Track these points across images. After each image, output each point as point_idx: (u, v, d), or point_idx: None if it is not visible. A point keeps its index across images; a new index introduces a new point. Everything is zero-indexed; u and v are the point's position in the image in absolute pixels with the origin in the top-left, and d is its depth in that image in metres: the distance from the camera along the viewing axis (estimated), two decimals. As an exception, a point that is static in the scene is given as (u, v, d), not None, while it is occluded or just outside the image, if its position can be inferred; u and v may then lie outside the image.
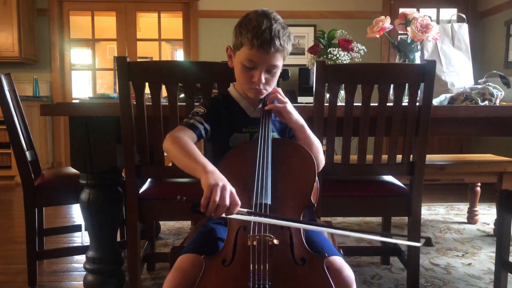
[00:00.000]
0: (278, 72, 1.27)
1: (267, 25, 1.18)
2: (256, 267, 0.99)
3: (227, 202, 0.99)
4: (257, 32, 1.17)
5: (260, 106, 1.31)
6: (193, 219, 2.26)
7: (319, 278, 1.01)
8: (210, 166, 1.06)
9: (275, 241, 1.02)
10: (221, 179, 1.02)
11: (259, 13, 1.21)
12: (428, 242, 1.07)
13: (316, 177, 1.16)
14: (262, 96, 1.29)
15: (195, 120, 1.26)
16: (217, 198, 0.97)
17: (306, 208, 1.13)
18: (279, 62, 1.23)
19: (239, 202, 1.01)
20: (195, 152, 1.12)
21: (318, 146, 1.30)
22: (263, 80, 1.22)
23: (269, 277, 0.99)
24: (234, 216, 1.02)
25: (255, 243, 1.01)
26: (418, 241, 1.08)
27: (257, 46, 1.18)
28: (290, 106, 1.26)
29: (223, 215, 1.00)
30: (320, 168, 1.32)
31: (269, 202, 1.07)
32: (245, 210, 1.03)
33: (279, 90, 1.28)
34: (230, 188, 1.01)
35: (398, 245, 2.16)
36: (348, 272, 1.09)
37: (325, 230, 1.12)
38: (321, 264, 1.02)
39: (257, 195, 1.07)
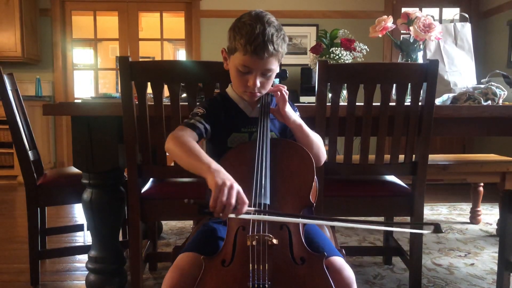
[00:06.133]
0: (274, 75, 1.26)
1: (260, 29, 1.16)
2: (256, 267, 0.99)
3: (234, 201, 0.98)
4: (250, 37, 1.16)
5: (259, 105, 1.31)
6: (195, 219, 2.26)
7: (319, 277, 1.01)
8: (215, 165, 1.06)
9: (274, 241, 1.02)
10: (228, 178, 1.01)
11: (253, 16, 1.20)
12: (437, 229, 1.05)
13: (315, 176, 1.16)
14: (257, 99, 1.29)
15: (195, 120, 1.26)
16: (224, 199, 0.97)
17: (305, 208, 1.13)
18: (274, 66, 1.22)
19: (247, 201, 1.01)
20: (199, 151, 1.12)
21: (318, 143, 1.30)
22: (258, 84, 1.22)
23: (269, 277, 0.99)
24: (243, 216, 1.01)
25: (254, 243, 1.01)
26: (425, 229, 1.07)
27: (250, 52, 1.17)
28: (288, 106, 1.26)
29: (232, 215, 1.00)
30: (322, 163, 1.33)
31: (268, 202, 1.07)
32: (253, 209, 1.03)
33: (285, 89, 1.28)
34: (237, 187, 1.01)
35: (400, 245, 2.16)
36: (349, 272, 1.09)
37: (332, 224, 1.12)
38: (321, 264, 1.02)
39: (256, 195, 1.07)
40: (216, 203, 0.98)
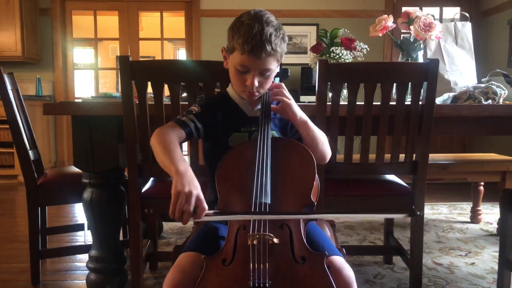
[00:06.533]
0: (273, 74, 1.26)
1: (258, 29, 1.16)
2: (256, 266, 1.00)
3: (191, 209, 0.99)
4: (247, 37, 1.15)
5: (259, 105, 1.30)
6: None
7: (320, 276, 1.01)
8: (182, 167, 1.06)
9: (275, 240, 1.02)
10: (189, 183, 1.02)
11: (252, 16, 1.19)
12: (412, 212, 1.06)
13: (316, 175, 1.16)
14: (256, 98, 1.28)
15: (187, 118, 1.26)
16: (182, 206, 0.99)
17: (306, 207, 1.13)
18: (272, 66, 1.22)
19: (206, 207, 1.02)
20: (173, 151, 1.12)
21: (323, 140, 1.30)
22: (256, 84, 1.21)
23: (269, 276, 0.99)
24: (203, 219, 1.03)
25: (255, 242, 1.01)
26: (401, 213, 1.09)
27: (247, 52, 1.16)
28: (294, 104, 1.26)
29: (192, 219, 1.01)
30: (328, 159, 1.34)
31: (268, 201, 1.07)
32: (212, 211, 1.05)
33: (284, 86, 1.27)
34: (196, 193, 1.01)
35: (400, 244, 2.16)
36: (348, 271, 1.09)
37: (302, 217, 1.12)
38: (322, 263, 1.02)
39: (257, 195, 1.06)
40: (174, 209, 0.99)
